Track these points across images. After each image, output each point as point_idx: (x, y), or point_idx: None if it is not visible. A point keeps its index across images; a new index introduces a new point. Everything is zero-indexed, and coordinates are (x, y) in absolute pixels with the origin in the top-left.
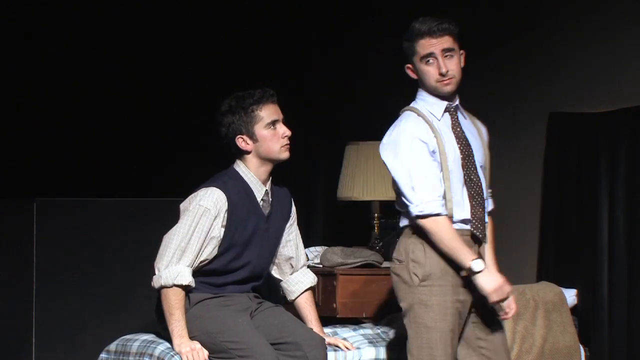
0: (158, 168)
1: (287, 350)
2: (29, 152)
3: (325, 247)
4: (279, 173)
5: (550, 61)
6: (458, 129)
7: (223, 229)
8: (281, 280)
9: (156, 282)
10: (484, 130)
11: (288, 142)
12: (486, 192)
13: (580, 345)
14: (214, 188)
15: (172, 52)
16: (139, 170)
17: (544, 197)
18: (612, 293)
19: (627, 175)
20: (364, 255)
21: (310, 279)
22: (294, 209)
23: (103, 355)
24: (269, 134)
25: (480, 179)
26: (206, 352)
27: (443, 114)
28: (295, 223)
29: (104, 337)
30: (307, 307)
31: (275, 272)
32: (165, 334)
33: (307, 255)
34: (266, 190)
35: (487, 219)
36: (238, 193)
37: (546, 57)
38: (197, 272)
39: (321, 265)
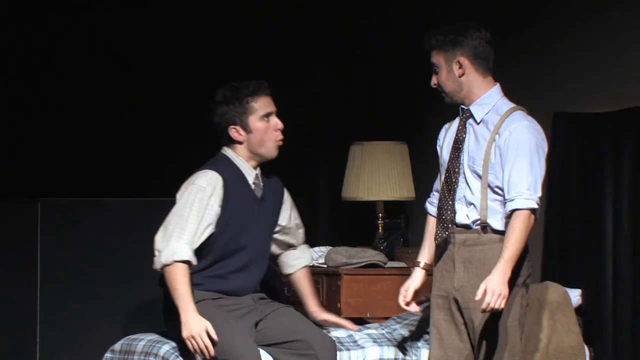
0: (161, 168)
1: (298, 349)
2: (33, 152)
3: (330, 247)
4: (282, 172)
5: (554, 61)
6: (458, 133)
7: (220, 209)
8: (279, 255)
9: (157, 262)
10: (503, 133)
11: (281, 136)
12: (470, 197)
13: (585, 345)
14: (207, 169)
15: (174, 53)
16: (142, 170)
17: (548, 197)
18: (617, 293)
19: (632, 176)
20: (368, 255)
21: (310, 256)
22: (286, 194)
23: (108, 354)
24: (262, 126)
25: (458, 183)
26: (213, 332)
27: (459, 118)
28: (293, 207)
29: (109, 336)
30: (305, 282)
31: (274, 249)
32: (172, 333)
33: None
34: (257, 174)
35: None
36: (231, 173)
37: (550, 57)
38: (204, 265)
39: (325, 265)
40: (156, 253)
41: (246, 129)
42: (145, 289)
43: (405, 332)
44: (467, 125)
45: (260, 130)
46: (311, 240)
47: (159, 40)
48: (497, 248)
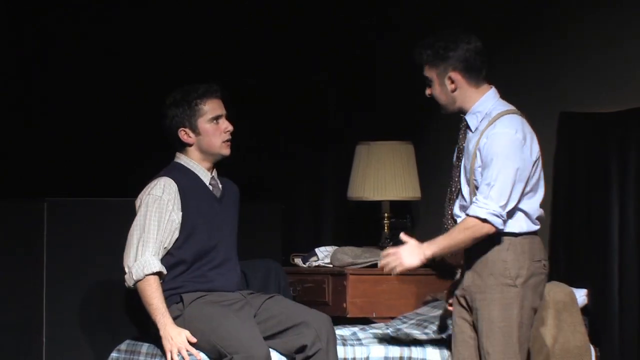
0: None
1: (297, 331)
2: (39, 152)
3: (336, 247)
4: (288, 172)
5: (560, 61)
6: (460, 142)
7: (180, 212)
8: None
9: (128, 279)
10: (483, 139)
11: (229, 137)
12: (464, 203)
13: (591, 345)
14: (161, 177)
15: (175, 53)
16: (149, 171)
17: (554, 197)
18: (623, 293)
19: (637, 176)
20: (374, 255)
21: None
22: (239, 198)
23: (114, 354)
24: (211, 128)
25: (456, 186)
26: (193, 338)
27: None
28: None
29: (115, 336)
30: None
31: None
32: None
33: (317, 255)
34: (212, 176)
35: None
36: (185, 177)
37: (556, 56)
38: (182, 269)
39: (331, 265)
40: (126, 270)
41: (195, 131)
42: None
43: (411, 332)
44: (467, 133)
45: (208, 132)
46: (317, 240)
47: (161, 40)
48: (497, 248)
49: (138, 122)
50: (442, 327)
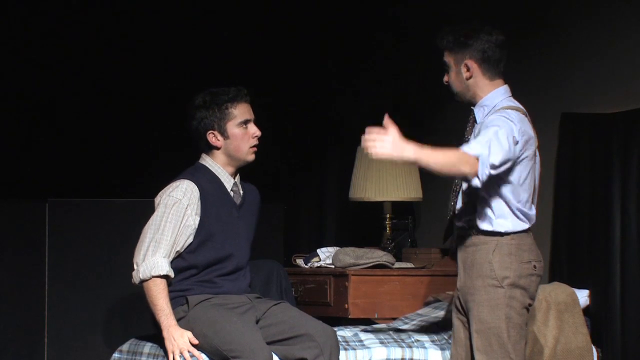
0: (170, 169)
1: (300, 343)
2: (41, 153)
3: (337, 248)
4: (289, 172)
5: (562, 61)
6: (466, 135)
7: (198, 218)
8: None
9: (135, 277)
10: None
11: (257, 142)
12: (464, 198)
13: (593, 346)
14: (183, 179)
15: (177, 53)
16: (150, 171)
17: (556, 198)
18: (625, 293)
19: None
20: (375, 256)
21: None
22: (258, 208)
23: (115, 355)
24: (239, 133)
25: (461, 185)
26: (194, 340)
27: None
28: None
29: (116, 336)
30: None
31: None
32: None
33: (319, 255)
34: (234, 182)
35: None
36: (208, 182)
37: (559, 57)
38: (192, 273)
39: (333, 266)
40: (134, 266)
41: (224, 134)
42: None
43: (412, 333)
44: (474, 126)
45: (237, 136)
46: (319, 241)
47: (160, 41)
48: (484, 249)
49: (141, 123)
50: (444, 328)
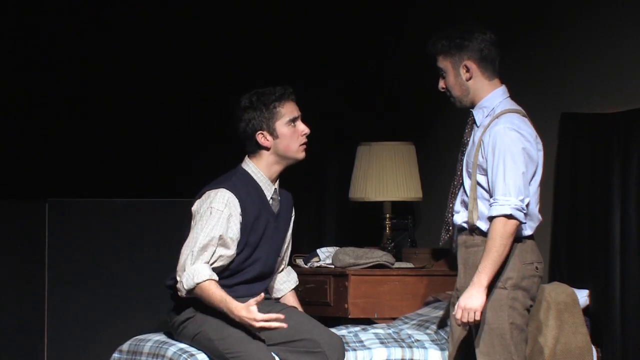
0: (171, 169)
1: (305, 347)
2: (41, 152)
3: (337, 248)
4: (290, 172)
5: (562, 61)
6: (465, 137)
7: (240, 226)
8: None
9: (181, 289)
10: (486, 135)
11: (306, 140)
12: (465, 199)
13: (593, 345)
14: (224, 190)
15: (179, 53)
16: (151, 171)
17: (556, 198)
18: (625, 293)
19: (639, 176)
20: (375, 256)
21: (295, 278)
22: (294, 212)
23: (115, 355)
24: (289, 131)
25: (459, 180)
26: (252, 303)
27: (472, 119)
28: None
29: (116, 337)
30: (296, 304)
31: None
32: (175, 336)
33: (318, 255)
34: (275, 189)
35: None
36: (248, 192)
37: (558, 57)
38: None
39: (333, 266)
40: (178, 278)
41: (273, 134)
42: (153, 290)
43: (412, 333)
44: (474, 128)
45: (286, 135)
46: (319, 241)
47: (164, 40)
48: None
49: (142, 123)
50: (444, 328)
